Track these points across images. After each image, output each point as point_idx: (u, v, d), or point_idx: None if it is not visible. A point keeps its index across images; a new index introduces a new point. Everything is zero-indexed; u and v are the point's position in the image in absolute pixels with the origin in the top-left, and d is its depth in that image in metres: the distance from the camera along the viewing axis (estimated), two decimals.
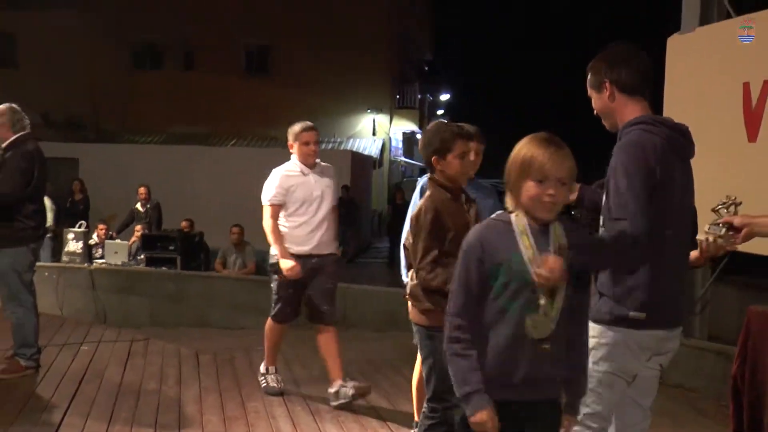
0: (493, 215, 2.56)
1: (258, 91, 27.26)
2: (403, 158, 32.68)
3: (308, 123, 5.64)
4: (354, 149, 25.05)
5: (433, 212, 3.57)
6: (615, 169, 2.70)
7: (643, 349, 2.78)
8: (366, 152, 26.07)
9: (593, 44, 3.14)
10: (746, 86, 5.58)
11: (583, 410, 2.82)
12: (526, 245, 2.42)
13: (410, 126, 32.57)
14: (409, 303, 3.85)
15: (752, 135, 5.52)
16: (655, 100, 2.99)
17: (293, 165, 5.54)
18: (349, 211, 18.13)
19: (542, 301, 2.40)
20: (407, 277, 4.46)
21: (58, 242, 12.38)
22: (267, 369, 5.87)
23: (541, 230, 2.46)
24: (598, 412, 2.82)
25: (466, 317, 2.49)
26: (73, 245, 11.40)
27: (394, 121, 30.63)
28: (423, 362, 3.76)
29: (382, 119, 29.13)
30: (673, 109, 6.26)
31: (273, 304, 5.66)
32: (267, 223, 5.43)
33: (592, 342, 2.80)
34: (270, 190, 5.45)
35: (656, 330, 2.78)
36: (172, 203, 14.21)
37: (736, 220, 2.82)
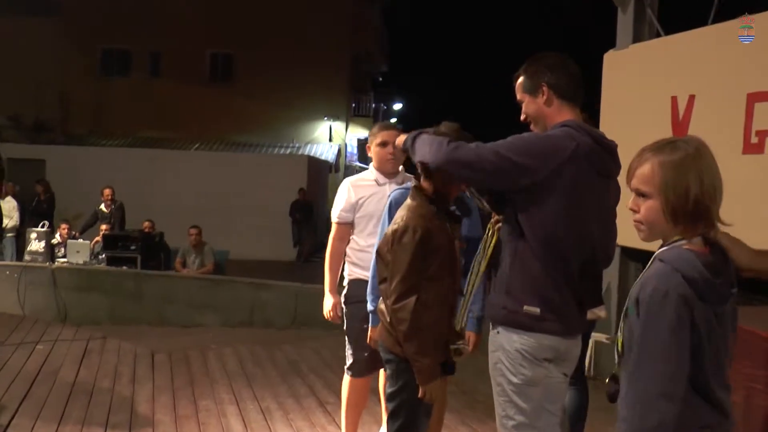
0: None
1: (221, 97, 26.77)
2: (357, 163, 32.51)
3: (388, 122, 4.13)
4: (311, 154, 24.76)
5: (422, 231, 2.86)
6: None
7: (540, 358, 2.59)
8: (323, 157, 25.80)
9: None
10: (674, 100, 5.54)
11: (509, 423, 2.65)
12: None
13: (365, 133, 32.29)
14: (381, 324, 3.09)
15: None
16: (592, 114, 2.84)
17: (368, 173, 4.23)
18: (305, 212, 17.98)
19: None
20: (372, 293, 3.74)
21: (22, 241, 11.94)
22: None
23: None
24: (522, 423, 2.62)
25: None
26: (36, 244, 10.96)
27: (349, 128, 30.42)
28: (393, 395, 3.03)
29: (338, 126, 28.92)
30: (608, 120, 6.20)
31: (347, 352, 4.11)
32: (329, 244, 4.20)
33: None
34: (336, 205, 4.18)
35: (553, 336, 2.59)
36: (136, 204, 13.83)
37: None
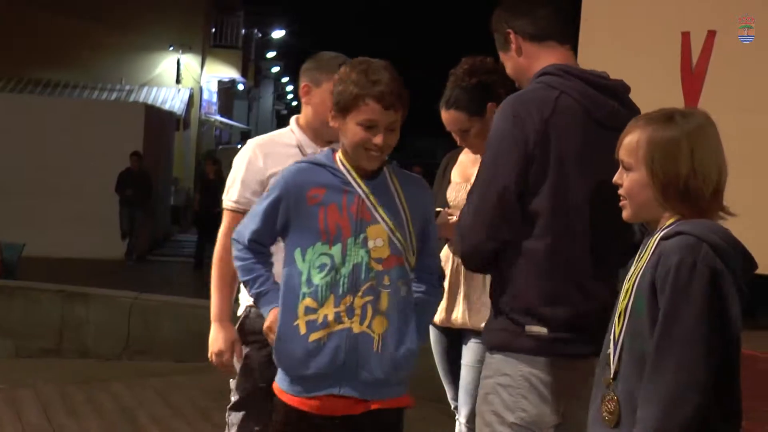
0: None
1: (11, 12, 26.15)
2: (219, 117, 32.23)
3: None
4: (149, 102, 24.51)
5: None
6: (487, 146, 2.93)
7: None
8: (166, 106, 25.60)
9: None
10: (686, 37, 5.68)
11: None
12: None
13: (230, 72, 32.19)
14: None
15: (691, 100, 5.63)
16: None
17: (287, 133, 3.89)
18: (139, 188, 17.75)
19: None
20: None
21: None
22: None
23: None
24: None
25: None
26: None
27: (207, 65, 30.30)
28: None
29: (190, 61, 28.72)
30: (589, 64, 6.30)
31: (228, 411, 3.87)
32: (218, 243, 3.85)
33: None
34: (233, 179, 3.86)
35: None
36: None
37: None
